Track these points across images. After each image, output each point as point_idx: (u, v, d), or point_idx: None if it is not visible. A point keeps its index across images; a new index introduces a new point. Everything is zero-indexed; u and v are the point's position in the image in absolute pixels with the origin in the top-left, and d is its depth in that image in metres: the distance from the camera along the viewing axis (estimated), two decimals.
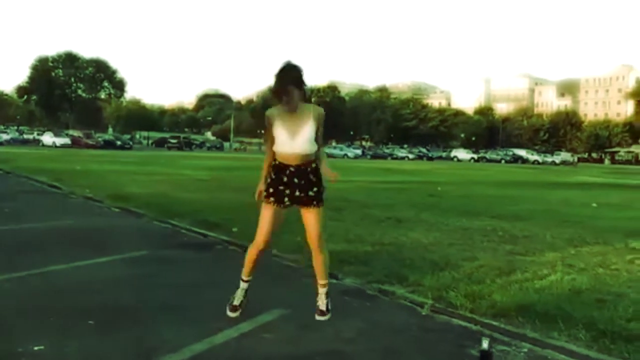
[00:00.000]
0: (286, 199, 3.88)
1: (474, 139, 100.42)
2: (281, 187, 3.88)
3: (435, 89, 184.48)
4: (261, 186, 4.01)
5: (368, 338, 3.81)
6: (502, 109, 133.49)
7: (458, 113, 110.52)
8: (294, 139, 3.83)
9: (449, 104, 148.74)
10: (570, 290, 5.23)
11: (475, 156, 74.77)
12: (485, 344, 3.25)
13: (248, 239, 6.96)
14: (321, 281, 4.09)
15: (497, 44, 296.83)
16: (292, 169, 3.88)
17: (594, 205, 13.82)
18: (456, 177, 28.15)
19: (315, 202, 3.90)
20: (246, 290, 4.05)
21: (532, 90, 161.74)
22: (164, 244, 6.91)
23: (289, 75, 3.81)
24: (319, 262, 4.08)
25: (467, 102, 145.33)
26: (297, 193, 3.87)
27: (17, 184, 14.78)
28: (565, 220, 10.32)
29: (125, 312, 4.10)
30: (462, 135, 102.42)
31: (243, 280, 4.06)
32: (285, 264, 6.17)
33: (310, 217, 3.93)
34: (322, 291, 4.08)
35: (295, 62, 3.89)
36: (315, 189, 3.90)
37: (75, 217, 8.95)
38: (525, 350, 3.77)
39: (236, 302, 4.01)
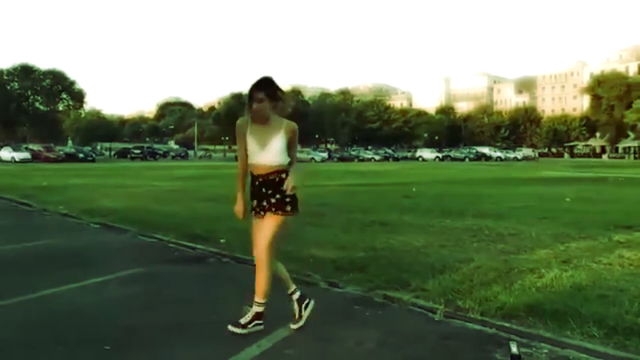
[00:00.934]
0: (260, 210, 3.95)
1: (436, 138, 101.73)
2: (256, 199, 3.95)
3: (397, 90, 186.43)
4: (239, 204, 4.07)
5: (390, 348, 3.76)
6: (463, 107, 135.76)
7: (420, 113, 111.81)
8: (262, 150, 3.91)
9: (411, 105, 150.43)
10: (572, 287, 5.28)
11: (440, 155, 75.66)
12: (514, 348, 3.25)
13: (237, 250, 6.94)
14: (257, 299, 4.00)
15: (455, 43, 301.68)
16: (260, 179, 3.93)
17: (568, 199, 14.10)
18: (426, 176, 28.40)
19: (274, 209, 3.89)
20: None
21: (490, 89, 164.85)
22: (155, 260, 6.74)
23: (261, 87, 3.88)
24: (258, 278, 3.97)
25: (428, 102, 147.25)
26: (264, 203, 3.91)
27: None
28: (545, 217, 10.47)
29: (138, 334, 3.97)
30: (426, 135, 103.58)
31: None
32: (294, 277, 6.06)
33: (263, 224, 3.92)
34: (253, 308, 4.01)
35: (265, 72, 3.97)
36: (277, 196, 3.89)
37: (56, 235, 8.67)
38: (546, 351, 3.77)
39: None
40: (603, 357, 3.67)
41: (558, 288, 5.22)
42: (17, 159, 52.92)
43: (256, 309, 3.98)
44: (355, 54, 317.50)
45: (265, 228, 3.89)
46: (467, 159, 72.32)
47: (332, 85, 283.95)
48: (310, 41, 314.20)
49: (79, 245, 7.91)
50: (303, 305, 4.19)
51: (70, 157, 56.79)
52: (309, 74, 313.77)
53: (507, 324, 4.26)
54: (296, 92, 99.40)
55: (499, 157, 74.83)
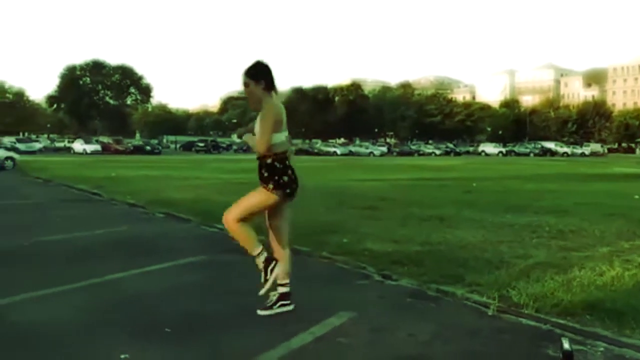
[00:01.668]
0: None
1: (500, 132, 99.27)
2: None
3: (459, 83, 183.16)
4: None
5: (444, 341, 3.79)
6: (528, 101, 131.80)
7: (484, 107, 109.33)
8: (256, 135, 4.08)
9: (474, 98, 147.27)
10: (634, 286, 5.15)
11: (504, 150, 73.93)
12: (566, 345, 3.21)
13: (294, 241, 7.08)
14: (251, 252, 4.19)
15: (520, 35, 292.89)
16: (260, 161, 4.11)
17: (637, 197, 13.57)
18: (488, 172, 27.86)
19: (265, 185, 4.03)
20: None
21: (557, 82, 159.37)
22: (220, 249, 6.97)
23: (245, 72, 4.10)
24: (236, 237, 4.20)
25: (491, 95, 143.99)
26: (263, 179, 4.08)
27: (59, 192, 15.05)
28: (611, 214, 10.16)
29: (198, 319, 4.15)
30: (489, 129, 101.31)
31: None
32: (338, 266, 6.18)
33: (253, 192, 4.10)
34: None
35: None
36: (270, 182, 4.02)
37: (124, 224, 9.08)
38: (602, 349, 3.72)
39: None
40: None
41: (619, 287, 5.10)
42: (88, 151, 55.34)
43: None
44: (417, 47, 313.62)
45: (245, 197, 4.10)
46: (531, 154, 70.33)
47: (393, 78, 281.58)
48: (372, 34, 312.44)
49: (144, 233, 8.26)
50: (281, 302, 4.26)
51: (137, 150, 58.85)
52: (370, 67, 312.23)
53: (562, 321, 4.21)
54: (356, 86, 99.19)
55: (566, 153, 72.42)
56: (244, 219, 4.05)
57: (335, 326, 4.01)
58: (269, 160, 4.02)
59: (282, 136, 4.10)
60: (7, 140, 52.57)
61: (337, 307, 4.40)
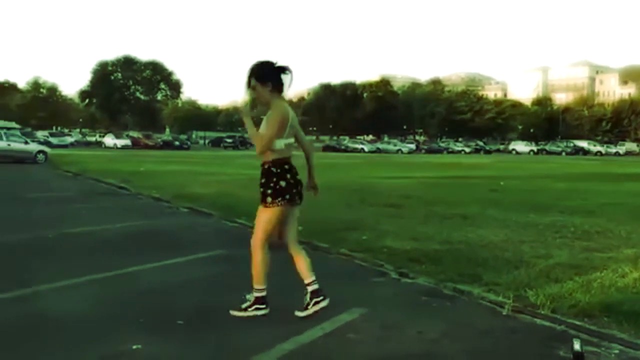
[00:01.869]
0: None
1: (532, 130, 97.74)
2: None
3: (491, 80, 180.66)
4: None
5: (453, 339, 3.77)
6: (561, 99, 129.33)
7: (515, 104, 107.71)
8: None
9: (505, 95, 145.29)
10: None
11: (535, 148, 72.82)
12: (577, 345, 3.17)
13: (314, 237, 7.09)
14: (254, 285, 4.10)
15: (554, 31, 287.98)
16: (261, 167, 4.06)
17: None
18: (518, 170, 27.52)
19: (264, 202, 3.96)
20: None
21: (592, 79, 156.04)
22: (238, 244, 7.01)
23: (249, 74, 3.97)
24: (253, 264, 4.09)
25: (524, 92, 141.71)
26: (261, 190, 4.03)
27: (87, 186, 15.37)
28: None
29: (211, 312, 4.21)
30: (520, 127, 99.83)
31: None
32: (356, 263, 6.18)
33: (259, 213, 4.02)
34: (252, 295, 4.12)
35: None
36: (261, 189, 3.96)
37: (147, 218, 9.23)
38: (617, 351, 3.65)
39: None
40: None
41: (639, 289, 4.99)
42: (118, 146, 56.24)
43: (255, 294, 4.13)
44: (449, 43, 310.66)
45: (256, 220, 4.05)
46: (563, 153, 69.15)
47: (424, 75, 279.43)
48: (403, 30, 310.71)
49: (167, 227, 8.39)
50: (314, 300, 4.11)
51: (166, 145, 59.56)
52: (400, 64, 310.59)
53: (578, 322, 4.15)
54: (384, 82, 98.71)
55: (599, 152, 70.95)
56: (267, 239, 4.03)
57: (346, 322, 4.02)
58: (265, 166, 3.98)
59: (282, 142, 3.96)
60: (41, 134, 53.71)
61: (350, 304, 4.40)
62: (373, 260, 6.18)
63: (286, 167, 3.96)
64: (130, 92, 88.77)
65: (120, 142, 57.74)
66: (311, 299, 4.08)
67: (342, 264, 6.15)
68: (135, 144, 58.76)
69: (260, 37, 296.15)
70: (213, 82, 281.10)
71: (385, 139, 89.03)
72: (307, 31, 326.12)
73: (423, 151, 70.08)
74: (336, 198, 11.60)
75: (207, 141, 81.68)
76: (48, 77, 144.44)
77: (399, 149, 67.24)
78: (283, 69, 4.01)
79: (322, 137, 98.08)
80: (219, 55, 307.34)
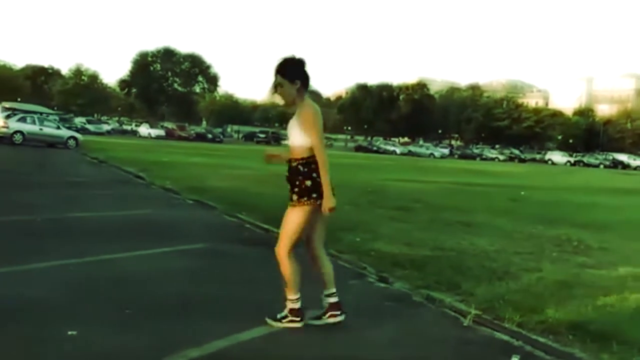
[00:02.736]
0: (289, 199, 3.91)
1: (571, 141, 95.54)
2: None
3: (532, 87, 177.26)
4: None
5: (398, 346, 3.71)
6: (604, 110, 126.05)
7: (555, 113, 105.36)
8: (289, 137, 3.94)
9: (547, 104, 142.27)
10: (635, 309, 4.87)
11: (572, 159, 71.13)
12: None
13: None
14: (287, 295, 3.93)
15: (600, 41, 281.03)
16: (288, 165, 3.92)
17: None
18: (546, 181, 26.98)
19: (291, 200, 3.84)
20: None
21: (638, 92, 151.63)
22: (224, 238, 7.06)
23: (276, 72, 3.85)
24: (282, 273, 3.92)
25: (566, 102, 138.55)
26: (290, 191, 3.89)
27: (107, 173, 15.68)
28: None
29: (165, 303, 4.23)
30: (559, 137, 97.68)
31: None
32: (339, 264, 6.12)
33: (285, 215, 3.89)
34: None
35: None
36: (295, 189, 3.82)
37: (149, 208, 9.33)
38: None
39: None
40: None
41: (619, 309, 4.82)
42: (152, 135, 57.20)
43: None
44: (491, 48, 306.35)
45: (284, 221, 3.88)
46: (601, 166, 67.35)
47: (465, 80, 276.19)
48: (446, 34, 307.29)
49: (163, 218, 8.47)
50: (330, 313, 3.98)
51: (199, 137, 60.29)
52: (442, 68, 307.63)
53: (541, 339, 4.02)
54: (421, 85, 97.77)
55: (639, 167, 68.91)
56: (294, 245, 3.87)
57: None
58: (293, 164, 3.84)
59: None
60: (78, 120, 55.01)
61: (311, 305, 4.35)
62: (357, 262, 6.12)
63: (313, 166, 3.79)
64: (169, 84, 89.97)
65: (154, 132, 58.70)
66: (328, 310, 3.97)
67: None
68: (169, 134, 59.62)
69: (301, 34, 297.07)
70: (252, 77, 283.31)
71: (421, 142, 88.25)
72: (348, 30, 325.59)
73: (456, 156, 69.25)
74: (347, 198, 11.51)
75: (240, 135, 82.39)
76: (90, 65, 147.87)
77: (431, 153, 66.60)
78: (304, 64, 3.93)
79: (357, 137, 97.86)
80: (259, 51, 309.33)
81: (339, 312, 3.98)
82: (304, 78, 3.88)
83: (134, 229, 7.33)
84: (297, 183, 3.78)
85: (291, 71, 3.84)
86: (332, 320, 3.95)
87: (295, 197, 3.80)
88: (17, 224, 7.09)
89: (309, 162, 3.81)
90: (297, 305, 3.90)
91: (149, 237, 6.82)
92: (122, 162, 18.46)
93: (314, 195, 3.77)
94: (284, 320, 3.89)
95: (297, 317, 3.91)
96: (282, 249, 3.86)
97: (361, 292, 5.05)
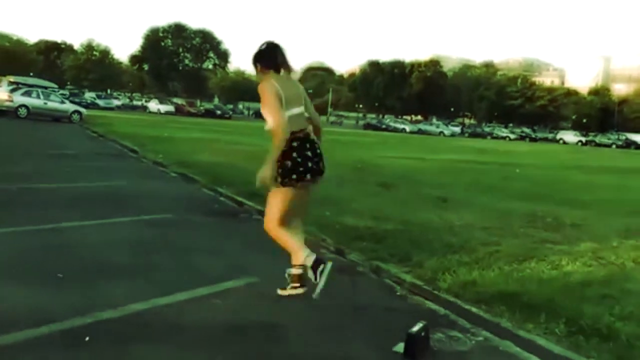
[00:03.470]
0: None
1: (585, 121, 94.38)
2: None
3: (549, 66, 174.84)
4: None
5: (318, 314, 3.78)
6: (621, 90, 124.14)
7: (570, 92, 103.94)
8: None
9: (563, 83, 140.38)
10: (580, 283, 4.91)
11: (584, 139, 70.37)
12: (415, 328, 3.15)
13: None
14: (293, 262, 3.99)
15: (619, 19, 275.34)
16: None
17: None
18: (551, 160, 26.80)
19: (275, 180, 3.87)
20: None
21: None
22: (193, 209, 7.15)
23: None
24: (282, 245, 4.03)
25: (582, 81, 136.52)
26: None
27: (101, 146, 15.82)
28: (638, 211, 9.59)
29: (99, 269, 4.33)
30: (574, 117, 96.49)
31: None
32: (312, 240, 6.20)
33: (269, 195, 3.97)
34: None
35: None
36: (278, 169, 3.84)
37: (130, 180, 9.45)
38: (481, 339, 3.61)
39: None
40: (537, 353, 3.46)
41: (562, 282, 4.87)
42: (162, 111, 57.32)
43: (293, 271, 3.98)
44: (509, 26, 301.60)
45: (268, 200, 4.01)
46: (614, 146, 66.56)
47: (481, 57, 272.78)
48: (462, 11, 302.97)
49: (139, 189, 8.59)
50: (319, 271, 3.90)
51: (208, 113, 60.30)
52: (458, 45, 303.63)
53: (473, 309, 4.09)
54: (434, 63, 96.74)
55: None
56: (282, 221, 3.91)
57: (225, 289, 4.07)
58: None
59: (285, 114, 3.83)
60: (88, 95, 55.29)
61: (248, 272, 4.45)
62: (318, 234, 6.19)
63: (294, 144, 3.81)
64: (179, 59, 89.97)
65: (163, 108, 58.82)
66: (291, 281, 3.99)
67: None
68: (179, 110, 59.71)
69: (315, 10, 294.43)
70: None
71: (434, 120, 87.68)
72: (363, 6, 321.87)
73: (466, 135, 68.80)
74: (334, 174, 11.60)
75: (251, 112, 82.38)
76: (101, 40, 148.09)
77: (441, 131, 66.22)
78: (270, 48, 4.06)
79: (369, 115, 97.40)
80: (272, 27, 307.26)
81: (298, 285, 3.96)
82: (265, 61, 4.03)
83: (102, 200, 7.45)
84: (279, 163, 3.79)
85: (254, 59, 4.09)
86: (293, 292, 3.95)
87: (279, 178, 3.81)
88: None
89: (290, 140, 3.80)
90: (298, 271, 3.92)
91: (116, 207, 6.93)
92: (120, 137, 18.60)
93: (294, 177, 3.80)
94: (287, 288, 3.97)
95: (298, 283, 3.94)
96: (267, 224, 3.93)
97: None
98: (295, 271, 3.94)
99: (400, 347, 3.17)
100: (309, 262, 3.87)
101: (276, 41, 4.12)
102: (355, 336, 3.48)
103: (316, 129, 4.15)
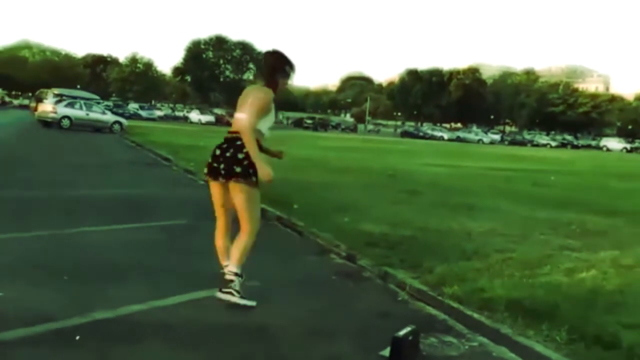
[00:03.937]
0: None
1: (630, 127, 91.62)
2: None
3: (593, 72, 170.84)
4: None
5: (313, 317, 3.82)
6: None
7: (614, 98, 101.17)
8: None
9: (607, 89, 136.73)
10: (591, 290, 4.81)
11: (629, 146, 68.37)
12: (403, 332, 3.16)
13: (299, 216, 7.24)
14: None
15: None
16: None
17: None
18: (590, 167, 26.11)
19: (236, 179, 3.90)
20: None
21: None
22: (210, 216, 7.26)
23: None
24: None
25: (628, 87, 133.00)
26: None
27: (137, 155, 16.23)
28: None
29: (104, 271, 4.45)
30: (619, 123, 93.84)
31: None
32: (316, 242, 6.27)
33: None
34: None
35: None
36: (239, 158, 3.92)
37: (158, 187, 9.68)
38: (475, 344, 3.58)
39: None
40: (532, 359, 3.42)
41: (570, 289, 4.77)
42: (202, 121, 58.31)
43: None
44: (553, 33, 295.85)
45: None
46: None
47: (523, 65, 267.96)
48: (506, 19, 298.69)
49: (163, 196, 8.82)
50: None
51: None
52: (498, 53, 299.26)
53: (469, 313, 4.06)
54: (472, 70, 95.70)
55: None
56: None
57: None
58: (239, 142, 3.85)
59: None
60: (132, 107, 56.64)
61: (254, 277, 4.51)
62: (332, 240, 6.23)
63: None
64: (220, 71, 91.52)
65: (204, 118, 59.82)
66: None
67: (301, 243, 6.28)
68: (219, 120, 60.41)
69: (355, 22, 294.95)
70: (304, 64, 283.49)
71: (473, 128, 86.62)
72: (400, 16, 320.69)
73: (506, 143, 67.69)
74: (361, 181, 11.72)
75: (289, 121, 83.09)
76: (145, 54, 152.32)
77: (480, 139, 65.36)
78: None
79: (407, 123, 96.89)
80: (311, 38, 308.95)
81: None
82: (263, 70, 4.24)
83: (124, 206, 7.64)
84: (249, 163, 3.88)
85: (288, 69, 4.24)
86: (221, 296, 3.87)
87: (254, 179, 3.93)
88: (16, 200, 7.56)
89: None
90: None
91: (135, 213, 7.10)
92: (156, 146, 18.99)
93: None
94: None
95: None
96: (257, 226, 4.11)
97: (313, 267, 5.18)
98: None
99: (387, 351, 3.18)
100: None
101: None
102: (344, 339, 3.50)
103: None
